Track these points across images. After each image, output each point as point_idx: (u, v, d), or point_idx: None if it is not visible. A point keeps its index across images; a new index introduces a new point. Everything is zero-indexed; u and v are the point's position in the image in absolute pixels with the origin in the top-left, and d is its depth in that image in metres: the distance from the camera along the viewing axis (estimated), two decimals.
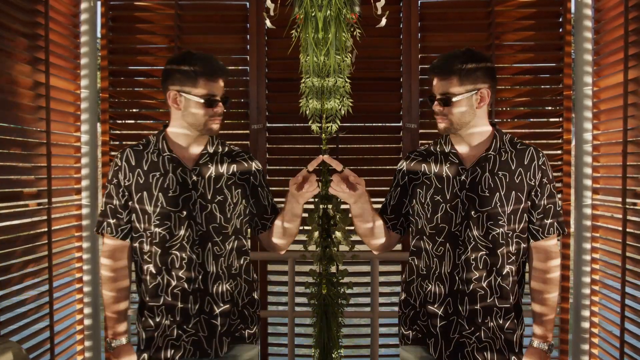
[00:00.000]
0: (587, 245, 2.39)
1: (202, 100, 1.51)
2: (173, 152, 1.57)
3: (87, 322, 2.46)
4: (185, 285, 1.54)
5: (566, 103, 2.43)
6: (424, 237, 1.59)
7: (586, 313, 2.38)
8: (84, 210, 2.46)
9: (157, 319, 1.56)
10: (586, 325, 2.38)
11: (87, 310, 2.45)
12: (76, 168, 2.46)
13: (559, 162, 2.44)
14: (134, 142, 1.63)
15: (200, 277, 1.55)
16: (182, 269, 1.54)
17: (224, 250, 1.58)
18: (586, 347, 2.38)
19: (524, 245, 1.55)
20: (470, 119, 1.51)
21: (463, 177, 1.54)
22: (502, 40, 2.48)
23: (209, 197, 1.57)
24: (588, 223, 2.39)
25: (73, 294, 2.42)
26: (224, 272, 1.58)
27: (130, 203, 1.55)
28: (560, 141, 2.45)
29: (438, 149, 1.62)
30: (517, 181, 1.51)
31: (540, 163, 1.53)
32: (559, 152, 2.44)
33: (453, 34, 2.53)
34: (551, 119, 2.54)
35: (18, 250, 2.04)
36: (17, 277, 2.04)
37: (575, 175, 2.45)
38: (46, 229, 2.18)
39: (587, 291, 2.38)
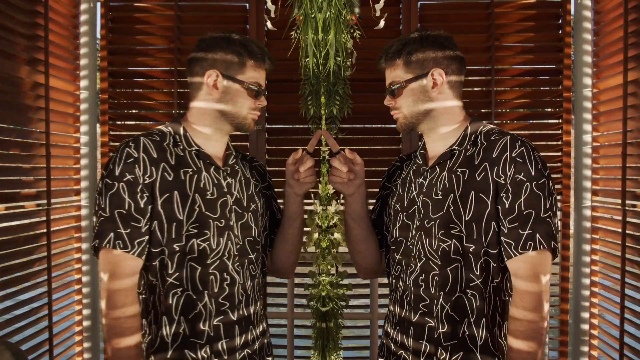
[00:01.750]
0: (587, 247, 2.38)
1: (253, 87, 1.29)
2: (200, 147, 1.29)
3: (86, 323, 2.45)
4: (230, 314, 1.26)
5: (566, 105, 2.43)
6: (389, 255, 1.36)
7: (586, 315, 2.38)
8: (84, 212, 2.45)
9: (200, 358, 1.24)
10: (586, 327, 2.38)
11: (86, 312, 2.45)
12: (75, 169, 2.46)
13: (559, 164, 2.44)
14: (141, 133, 1.29)
15: (243, 301, 1.29)
16: (223, 292, 1.25)
17: (257, 270, 1.34)
18: (586, 349, 2.37)
19: (496, 266, 1.20)
20: (424, 108, 1.27)
21: (421, 179, 1.29)
22: (502, 41, 2.48)
23: (245, 204, 1.31)
24: (587, 225, 2.39)
25: (72, 295, 2.41)
26: (257, 296, 1.35)
27: (150, 207, 1.19)
28: (559, 143, 2.45)
29: (415, 152, 1.39)
30: (479, 178, 1.19)
31: (514, 154, 1.16)
32: (559, 153, 2.44)
33: (453, 36, 2.52)
34: (551, 121, 2.53)
35: (17, 251, 2.03)
36: (16, 278, 2.03)
37: (574, 177, 2.45)
38: (45, 230, 2.17)
39: (586, 293, 2.37)
